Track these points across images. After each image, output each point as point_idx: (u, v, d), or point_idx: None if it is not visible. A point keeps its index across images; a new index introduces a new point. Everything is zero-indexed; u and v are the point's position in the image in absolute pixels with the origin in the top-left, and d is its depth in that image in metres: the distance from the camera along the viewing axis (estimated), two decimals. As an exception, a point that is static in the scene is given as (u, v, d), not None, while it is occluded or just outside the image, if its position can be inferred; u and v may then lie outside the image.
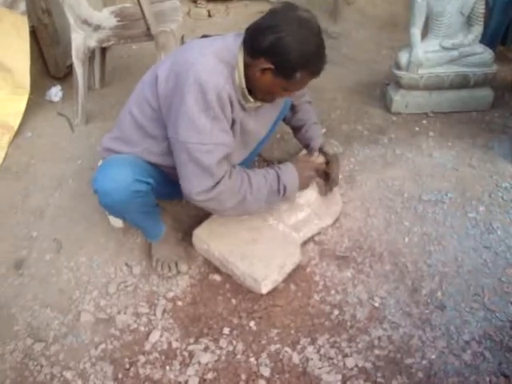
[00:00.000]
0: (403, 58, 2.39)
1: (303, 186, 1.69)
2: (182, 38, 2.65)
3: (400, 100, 2.48)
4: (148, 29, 2.15)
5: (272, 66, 1.35)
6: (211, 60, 1.37)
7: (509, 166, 2.13)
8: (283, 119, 1.95)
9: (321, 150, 1.82)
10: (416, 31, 2.37)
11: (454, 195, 1.98)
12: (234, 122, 1.47)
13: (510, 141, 2.24)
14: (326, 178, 1.83)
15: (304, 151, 1.95)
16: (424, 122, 2.47)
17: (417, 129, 2.41)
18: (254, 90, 1.45)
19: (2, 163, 2.26)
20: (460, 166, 2.15)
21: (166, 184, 1.61)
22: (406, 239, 1.80)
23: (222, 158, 1.40)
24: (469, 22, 2.35)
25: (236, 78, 1.40)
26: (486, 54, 2.39)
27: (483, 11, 2.32)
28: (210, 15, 3.73)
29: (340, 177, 1.90)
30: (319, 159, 1.78)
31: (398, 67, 2.42)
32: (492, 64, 2.41)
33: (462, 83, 2.43)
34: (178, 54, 1.48)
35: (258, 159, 2.20)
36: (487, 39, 2.73)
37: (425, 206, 1.93)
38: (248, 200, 1.51)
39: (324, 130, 2.35)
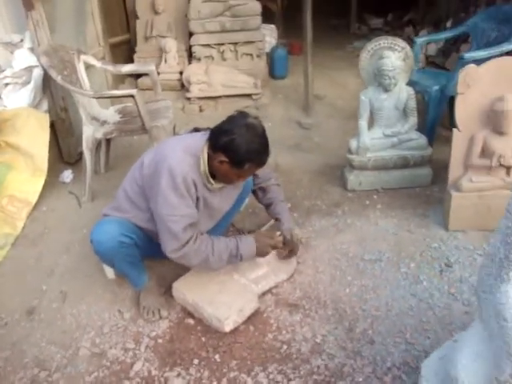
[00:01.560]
0: (353, 144, 2.90)
1: (259, 256, 2.12)
2: (174, 128, 3.20)
3: (354, 179, 2.97)
4: (143, 124, 2.69)
5: (227, 160, 1.85)
6: (180, 154, 1.88)
7: (440, 231, 2.55)
8: (256, 197, 2.42)
9: (285, 237, 2.21)
10: (363, 123, 2.91)
11: (390, 255, 2.39)
12: (198, 200, 1.95)
13: (442, 210, 2.67)
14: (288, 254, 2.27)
15: (270, 223, 2.43)
16: (374, 196, 2.93)
17: (367, 202, 2.87)
18: (215, 175, 1.95)
19: (20, 232, 2.71)
20: (399, 231, 2.59)
21: (150, 244, 2.05)
22: (347, 290, 2.19)
23: (186, 226, 1.85)
24: (405, 114, 2.89)
25: (201, 166, 1.91)
26: (421, 139, 2.89)
27: (415, 106, 2.86)
28: (201, 110, 4.33)
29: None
30: (279, 239, 2.18)
31: (350, 152, 2.93)
32: (427, 147, 2.91)
33: (404, 164, 2.91)
34: (159, 147, 2.01)
35: (232, 229, 2.65)
36: (428, 126, 3.28)
37: (365, 264, 2.34)
38: (210, 260, 1.94)
39: (289, 205, 2.81)
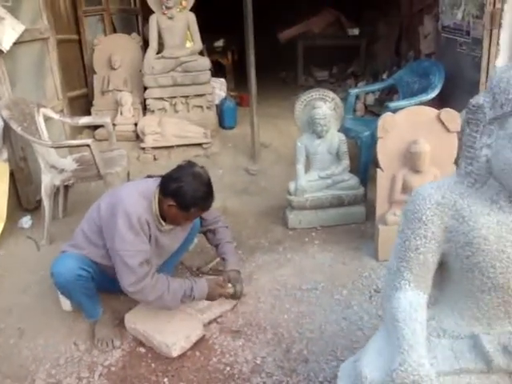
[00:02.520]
0: (292, 186, 3.22)
1: (209, 299, 2.34)
2: (128, 174, 3.44)
3: (294, 218, 3.27)
4: (98, 171, 2.93)
5: (175, 204, 2.11)
6: (135, 197, 2.14)
7: (371, 261, 2.86)
8: (207, 239, 2.67)
9: (232, 283, 2.43)
10: (299, 166, 3.24)
11: (326, 284, 2.67)
12: (150, 238, 2.18)
13: (373, 243, 2.99)
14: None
15: (216, 260, 2.71)
16: (313, 233, 3.24)
17: (306, 239, 3.17)
18: (166, 218, 2.20)
19: (-21, 277, 2.85)
20: (334, 263, 2.88)
21: (105, 279, 2.25)
22: (286, 316, 2.43)
23: (142, 261, 2.08)
24: (338, 157, 3.24)
25: (153, 208, 2.16)
26: (353, 180, 3.24)
27: (346, 150, 3.22)
28: (155, 159, 4.59)
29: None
30: (229, 290, 2.40)
31: (289, 193, 3.25)
32: (359, 187, 3.26)
33: (339, 203, 3.24)
34: (115, 191, 2.26)
35: (181, 266, 2.87)
36: (361, 168, 3.66)
37: (302, 293, 2.60)
38: (165, 298, 2.15)
39: (235, 244, 3.07)
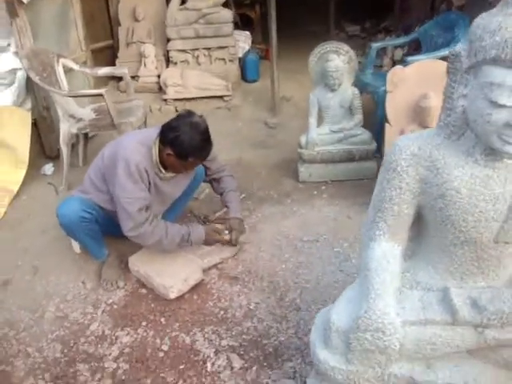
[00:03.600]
0: (303, 139, 3.18)
1: (207, 244, 2.41)
2: (145, 124, 3.46)
3: (304, 171, 3.24)
4: (112, 120, 2.97)
5: (172, 153, 2.12)
6: (135, 144, 2.16)
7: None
8: (212, 187, 2.69)
9: (231, 228, 2.50)
10: (311, 120, 3.18)
11: (328, 236, 2.66)
12: (150, 185, 2.21)
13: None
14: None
15: (223, 210, 2.72)
16: (323, 187, 3.21)
17: (315, 192, 3.15)
18: (167, 166, 2.22)
19: (2, 217, 2.99)
20: (340, 217, 2.86)
21: (110, 222, 2.32)
22: (283, 265, 2.46)
23: (140, 207, 2.12)
24: (351, 112, 3.16)
25: (153, 156, 2.18)
26: (365, 135, 3.16)
27: (360, 104, 3.13)
28: (177, 111, 4.57)
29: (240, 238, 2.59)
30: (226, 237, 2.46)
31: (300, 146, 3.21)
32: (371, 142, 3.17)
33: (349, 157, 3.18)
34: (118, 140, 2.30)
35: (189, 214, 2.92)
36: (377, 123, 3.56)
37: (303, 244, 2.61)
38: (163, 242, 2.22)
39: (244, 195, 3.10)
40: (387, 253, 1.43)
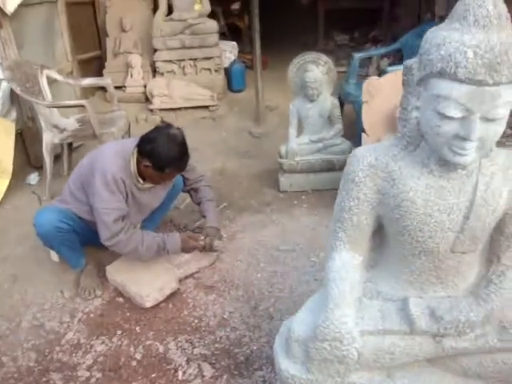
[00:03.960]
0: (283, 149, 3.20)
1: (184, 251, 2.41)
2: (129, 135, 3.47)
3: (285, 181, 3.26)
4: (94, 131, 2.98)
5: (150, 164, 2.13)
6: (112, 156, 2.17)
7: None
8: (190, 197, 2.70)
9: (206, 235, 2.50)
10: (291, 130, 3.21)
11: (304, 246, 2.67)
12: (127, 196, 2.22)
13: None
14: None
15: (202, 220, 2.73)
16: (303, 197, 3.22)
17: (295, 202, 3.16)
18: (145, 177, 2.23)
19: (-16, 227, 2.99)
20: (318, 226, 2.87)
21: (90, 233, 2.31)
22: (259, 275, 2.46)
23: (116, 218, 2.13)
24: (330, 122, 3.18)
25: (131, 167, 2.19)
26: (344, 144, 3.18)
27: (339, 114, 3.16)
28: (162, 121, 4.62)
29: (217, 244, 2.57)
30: (201, 244, 2.46)
31: (281, 156, 3.22)
32: (351, 151, 3.18)
33: (329, 167, 3.19)
34: (96, 151, 2.31)
35: (169, 223, 2.92)
36: (357, 133, 3.58)
37: (280, 253, 2.61)
38: (140, 250, 2.22)
39: (224, 204, 3.11)
40: (347, 263, 1.44)
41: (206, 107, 4.66)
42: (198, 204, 2.66)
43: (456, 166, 1.23)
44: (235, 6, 6.30)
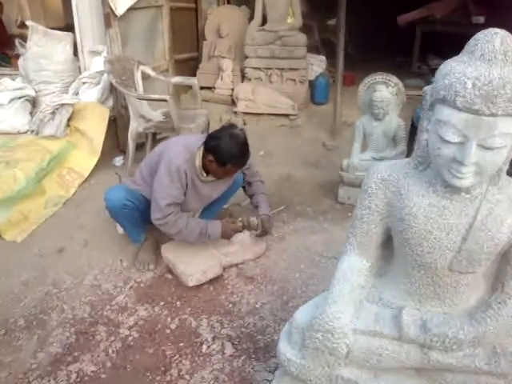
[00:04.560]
0: (344, 162, 3.31)
1: (224, 237, 2.65)
2: (208, 130, 3.76)
3: (343, 193, 3.36)
4: (173, 124, 3.31)
5: (213, 159, 2.38)
6: (180, 148, 2.45)
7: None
8: (244, 190, 2.93)
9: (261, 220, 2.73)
10: (356, 145, 3.31)
11: (347, 256, 2.78)
12: (187, 187, 2.48)
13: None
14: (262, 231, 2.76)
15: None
16: (358, 211, 3.31)
17: (349, 214, 3.24)
18: (208, 171, 2.49)
19: (71, 196, 3.43)
20: (365, 241, 2.95)
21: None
22: (297, 275, 2.61)
23: (170, 203, 2.39)
24: (394, 142, 3.23)
25: (196, 161, 2.45)
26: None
27: (403, 136, 3.21)
28: (244, 123, 4.86)
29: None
30: (239, 225, 2.68)
31: (342, 169, 3.34)
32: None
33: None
34: (167, 142, 2.62)
35: (229, 217, 3.15)
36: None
37: (321, 259, 2.74)
38: (183, 233, 2.47)
39: (283, 207, 3.29)
40: (353, 266, 1.57)
41: (287, 116, 4.87)
42: (250, 196, 2.87)
43: (460, 189, 1.32)
44: (331, 22, 6.45)
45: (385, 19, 7.67)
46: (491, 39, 1.19)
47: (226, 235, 2.63)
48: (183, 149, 2.46)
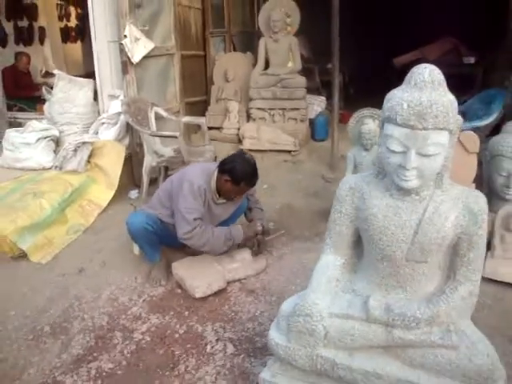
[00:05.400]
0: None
1: (246, 239, 2.98)
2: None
3: (338, 218, 3.66)
4: (183, 158, 3.70)
5: (229, 179, 2.75)
6: (199, 171, 2.84)
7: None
8: (245, 216, 3.28)
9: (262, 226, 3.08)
10: (348, 174, 3.61)
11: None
12: (204, 205, 2.82)
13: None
14: (258, 247, 3.08)
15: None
16: (353, 233, 3.60)
17: (344, 236, 3.55)
18: (221, 192, 2.84)
19: (90, 224, 3.78)
20: (358, 259, 3.24)
21: (168, 235, 2.93)
22: (293, 287, 2.87)
23: (196, 217, 2.72)
24: (384, 172, 3.56)
25: (212, 184, 2.82)
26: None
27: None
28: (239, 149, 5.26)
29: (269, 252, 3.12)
30: (259, 228, 3.04)
31: (336, 196, 3.65)
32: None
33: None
34: (185, 169, 3.00)
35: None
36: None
37: (316, 274, 3.03)
38: (211, 241, 2.78)
39: (282, 232, 3.58)
40: (329, 262, 1.88)
41: (289, 152, 5.25)
42: (250, 221, 3.21)
43: (410, 191, 1.64)
44: (329, 65, 6.94)
45: (383, 62, 8.17)
46: (422, 72, 1.54)
47: (248, 237, 2.98)
48: (201, 172, 2.84)
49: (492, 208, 2.94)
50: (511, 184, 2.85)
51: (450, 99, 1.53)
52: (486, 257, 2.82)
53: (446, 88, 1.57)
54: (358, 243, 1.89)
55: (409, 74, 1.60)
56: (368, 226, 1.73)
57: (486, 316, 2.54)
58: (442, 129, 1.50)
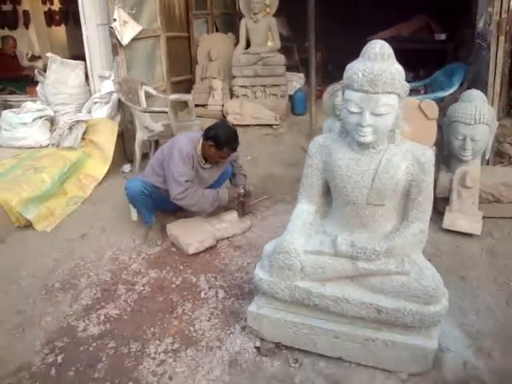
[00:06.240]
0: (316, 158, 3.95)
1: (230, 200, 3.30)
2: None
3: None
4: (172, 132, 3.97)
5: (213, 144, 3.03)
6: (186, 140, 3.10)
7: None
8: (230, 181, 3.58)
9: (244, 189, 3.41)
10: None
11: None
12: (193, 169, 3.10)
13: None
14: (242, 208, 3.40)
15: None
16: (329, 197, 3.93)
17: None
18: (207, 157, 3.13)
19: (88, 196, 4.05)
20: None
21: (161, 199, 3.20)
22: (276, 243, 3.22)
23: (187, 179, 3.00)
24: (356, 140, 3.88)
25: (198, 150, 3.10)
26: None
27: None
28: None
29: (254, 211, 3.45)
30: (241, 190, 3.36)
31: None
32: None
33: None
34: (174, 138, 3.26)
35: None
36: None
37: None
38: (201, 201, 3.09)
39: (266, 196, 3.89)
40: (303, 209, 2.19)
41: (270, 126, 5.53)
42: (235, 185, 3.53)
43: (368, 146, 1.95)
44: (307, 44, 7.18)
45: (360, 40, 8.41)
46: (374, 46, 1.84)
47: (232, 198, 3.31)
48: (188, 140, 3.12)
49: (450, 168, 3.34)
50: (466, 146, 3.14)
51: (397, 68, 1.84)
52: (445, 211, 3.23)
53: (395, 59, 1.87)
54: (328, 193, 2.21)
55: (364, 48, 1.89)
56: (334, 176, 2.04)
57: (443, 260, 2.91)
58: (390, 93, 1.81)
